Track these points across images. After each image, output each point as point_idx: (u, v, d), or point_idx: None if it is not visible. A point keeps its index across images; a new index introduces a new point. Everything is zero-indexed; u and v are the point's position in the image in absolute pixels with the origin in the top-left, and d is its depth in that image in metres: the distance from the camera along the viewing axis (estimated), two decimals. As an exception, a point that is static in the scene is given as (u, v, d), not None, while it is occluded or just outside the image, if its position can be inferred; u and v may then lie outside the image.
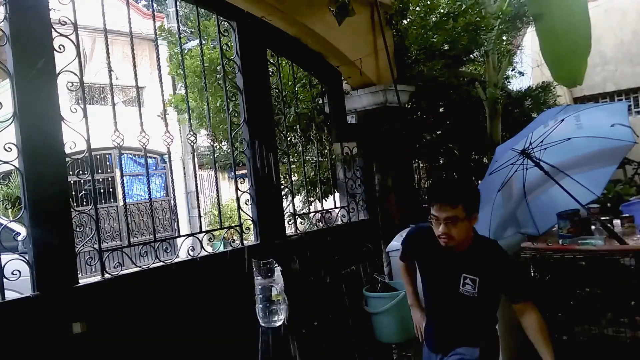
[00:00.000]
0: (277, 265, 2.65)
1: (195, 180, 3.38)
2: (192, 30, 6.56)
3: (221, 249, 3.19)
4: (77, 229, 2.37)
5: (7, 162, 2.16)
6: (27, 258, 2.20)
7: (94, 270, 2.55)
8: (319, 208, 4.33)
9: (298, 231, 3.70)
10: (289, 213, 3.66)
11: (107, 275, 2.46)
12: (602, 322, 2.73)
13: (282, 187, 3.59)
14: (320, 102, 4.32)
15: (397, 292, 3.52)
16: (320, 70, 4.05)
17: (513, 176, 3.15)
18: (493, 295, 2.11)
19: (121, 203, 9.91)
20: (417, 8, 4.57)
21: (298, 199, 4.90)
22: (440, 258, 2.15)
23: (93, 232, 2.46)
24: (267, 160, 3.36)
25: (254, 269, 2.60)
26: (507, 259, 2.11)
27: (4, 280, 2.13)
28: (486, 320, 2.17)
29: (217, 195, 3.43)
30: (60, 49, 2.35)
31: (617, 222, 3.23)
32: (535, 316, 2.02)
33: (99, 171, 10.26)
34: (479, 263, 2.06)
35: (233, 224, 3.34)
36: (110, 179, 10.77)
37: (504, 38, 5.21)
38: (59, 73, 2.35)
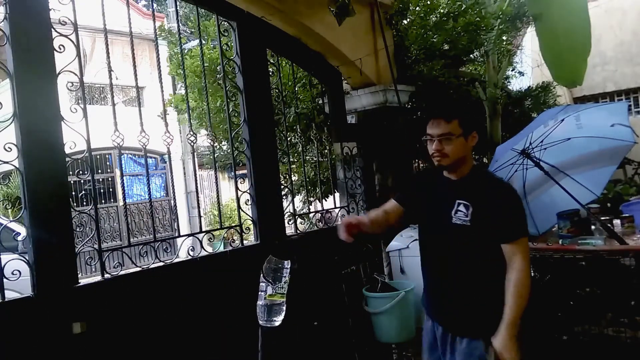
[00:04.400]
0: (287, 267, 2.64)
1: (195, 180, 3.38)
2: (192, 30, 6.56)
3: (221, 249, 3.19)
4: (77, 229, 2.37)
5: (7, 162, 2.16)
6: (27, 258, 2.20)
7: (94, 270, 2.55)
8: (319, 208, 4.33)
9: (298, 231, 3.70)
10: (289, 213, 3.66)
11: (107, 275, 2.45)
12: (602, 322, 2.73)
13: (282, 187, 3.59)
14: (320, 102, 4.32)
15: (397, 292, 3.52)
16: (320, 70, 4.05)
17: (513, 176, 3.16)
18: (486, 230, 1.86)
19: (121, 203, 9.91)
20: (417, 8, 4.56)
21: (298, 199, 4.90)
22: (437, 189, 2.01)
23: (93, 232, 2.46)
24: (267, 160, 3.36)
25: (263, 271, 2.57)
26: (507, 189, 1.92)
27: (4, 280, 2.12)
28: (484, 273, 1.91)
29: (217, 195, 3.43)
30: (60, 49, 2.35)
31: (617, 222, 3.23)
32: (520, 267, 1.80)
33: (99, 171, 10.26)
34: (475, 190, 1.90)
35: (233, 224, 3.34)
36: (110, 179, 10.77)
37: (504, 38, 5.22)
38: (59, 73, 2.35)
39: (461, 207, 1.87)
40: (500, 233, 1.85)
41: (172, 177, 4.96)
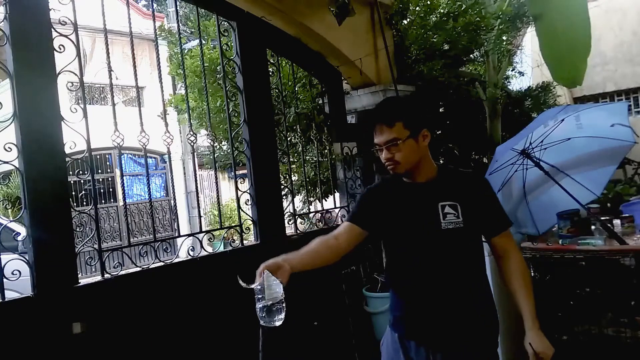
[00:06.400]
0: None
1: (195, 180, 3.38)
2: (192, 30, 6.55)
3: (221, 249, 3.19)
4: (77, 229, 2.37)
5: (7, 162, 2.16)
6: (27, 258, 2.20)
7: (94, 270, 2.55)
8: (319, 208, 4.33)
9: (298, 231, 3.70)
10: (289, 213, 3.66)
11: (107, 275, 2.46)
12: (602, 322, 2.73)
13: (282, 187, 3.59)
14: (320, 102, 4.32)
15: (397, 292, 3.52)
16: (320, 70, 4.05)
17: (513, 176, 3.15)
18: (478, 227, 1.76)
19: (121, 203, 9.91)
20: (417, 8, 4.56)
21: (298, 199, 4.90)
22: (405, 197, 1.78)
23: (93, 232, 2.46)
24: (267, 160, 3.36)
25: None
26: (483, 180, 1.84)
27: (4, 280, 2.13)
28: (481, 275, 1.79)
29: (217, 195, 3.43)
30: (60, 49, 2.35)
31: (617, 222, 3.23)
32: (519, 255, 1.75)
33: (99, 171, 10.26)
34: (455, 188, 1.74)
35: (233, 224, 3.34)
36: (110, 179, 10.78)
37: (504, 38, 5.20)
38: (59, 73, 2.35)
39: (448, 209, 1.70)
40: (493, 226, 1.77)
41: (172, 177, 4.96)
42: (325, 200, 4.71)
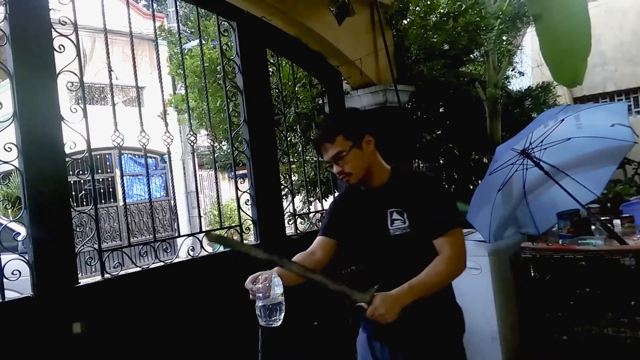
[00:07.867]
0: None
1: (195, 180, 3.38)
2: (192, 30, 6.56)
3: (221, 249, 3.19)
4: (77, 229, 2.37)
5: (7, 162, 2.16)
6: (27, 258, 2.20)
7: (94, 270, 2.55)
8: (319, 208, 4.33)
9: (298, 231, 3.70)
10: (289, 213, 3.66)
11: (107, 275, 2.45)
12: (602, 322, 2.73)
13: (282, 187, 3.59)
14: (320, 102, 4.32)
15: (397, 292, 3.52)
16: (320, 70, 4.05)
17: (513, 176, 3.15)
18: (423, 231, 1.74)
19: (121, 203, 9.92)
20: (417, 8, 4.57)
21: (298, 199, 4.90)
22: (361, 205, 1.86)
23: (93, 232, 2.46)
24: (267, 160, 3.36)
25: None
26: (430, 182, 1.81)
27: (4, 280, 2.13)
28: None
29: (217, 195, 3.43)
30: (60, 49, 2.35)
31: (617, 222, 3.23)
32: (446, 256, 1.67)
33: (99, 171, 10.27)
34: (402, 193, 1.77)
35: (233, 224, 3.34)
36: (110, 179, 10.79)
37: (504, 38, 5.21)
38: (59, 73, 2.35)
39: (395, 216, 1.74)
40: (432, 229, 1.72)
41: (172, 177, 4.97)
42: (325, 200, 4.71)
